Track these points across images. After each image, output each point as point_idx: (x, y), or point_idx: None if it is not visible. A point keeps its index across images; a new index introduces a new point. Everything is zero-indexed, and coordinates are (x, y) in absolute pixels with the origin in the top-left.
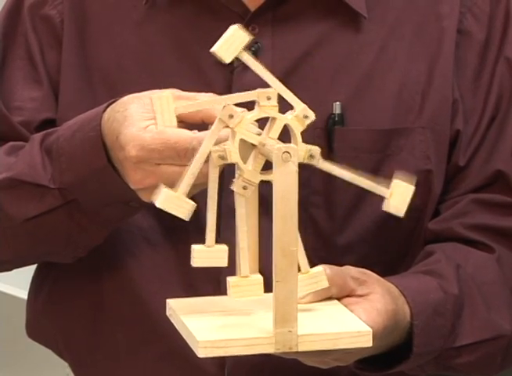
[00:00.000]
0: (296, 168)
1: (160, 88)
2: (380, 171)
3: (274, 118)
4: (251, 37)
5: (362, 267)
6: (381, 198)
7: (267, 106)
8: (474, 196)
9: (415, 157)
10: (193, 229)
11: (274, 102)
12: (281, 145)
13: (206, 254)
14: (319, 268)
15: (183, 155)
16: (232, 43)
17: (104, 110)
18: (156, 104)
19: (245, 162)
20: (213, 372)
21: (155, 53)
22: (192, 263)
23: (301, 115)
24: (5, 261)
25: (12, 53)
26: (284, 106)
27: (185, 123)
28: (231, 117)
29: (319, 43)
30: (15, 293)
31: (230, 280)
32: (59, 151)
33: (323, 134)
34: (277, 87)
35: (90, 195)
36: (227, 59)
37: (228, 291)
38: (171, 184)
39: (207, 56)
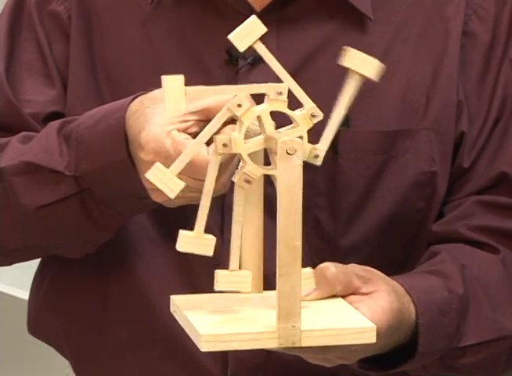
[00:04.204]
0: (300, 162)
1: None
2: (385, 172)
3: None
4: (266, 30)
5: None
6: (385, 200)
7: (277, 100)
8: (477, 197)
9: (419, 158)
10: None
11: (284, 97)
12: (286, 138)
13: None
14: (308, 269)
15: (196, 173)
16: (248, 33)
17: (130, 102)
18: (166, 86)
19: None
20: (216, 372)
21: (160, 52)
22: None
23: (309, 114)
24: (12, 249)
25: (19, 48)
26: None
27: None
28: (239, 106)
29: (324, 44)
30: (15, 293)
31: (219, 272)
32: (79, 139)
33: None
34: (289, 82)
35: (105, 186)
36: (241, 48)
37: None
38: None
39: (211, 57)
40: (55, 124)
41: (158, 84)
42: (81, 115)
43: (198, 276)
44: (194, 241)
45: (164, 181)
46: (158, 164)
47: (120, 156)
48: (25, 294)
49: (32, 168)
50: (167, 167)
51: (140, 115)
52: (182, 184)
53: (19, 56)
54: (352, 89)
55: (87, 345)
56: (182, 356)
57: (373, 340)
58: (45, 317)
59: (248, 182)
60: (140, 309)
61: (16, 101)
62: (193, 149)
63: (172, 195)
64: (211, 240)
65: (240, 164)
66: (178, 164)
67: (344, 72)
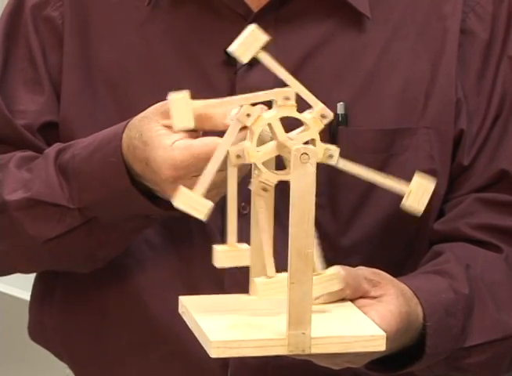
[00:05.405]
0: (314, 170)
1: (162, 88)
2: (384, 171)
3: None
4: (268, 38)
5: (367, 267)
6: (385, 198)
7: (285, 105)
8: (477, 195)
9: (419, 156)
10: (197, 233)
11: (292, 101)
12: (299, 146)
13: (228, 254)
14: (335, 269)
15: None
16: (249, 44)
17: (123, 131)
18: (173, 106)
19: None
20: (216, 373)
21: (157, 54)
22: (214, 264)
23: (319, 115)
24: (21, 271)
25: (14, 55)
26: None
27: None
28: (248, 115)
29: (322, 43)
30: (15, 293)
31: (257, 280)
32: (76, 170)
33: (327, 134)
34: (295, 86)
35: (111, 212)
36: (245, 60)
37: (255, 292)
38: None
39: (209, 57)
40: (50, 153)
41: (156, 86)
42: (74, 142)
43: (199, 279)
44: (230, 255)
45: (192, 205)
46: (182, 189)
47: (124, 184)
48: (25, 294)
49: (33, 203)
50: (191, 174)
51: (134, 149)
52: (210, 203)
53: (13, 65)
54: None
55: (88, 352)
56: (181, 358)
57: (383, 348)
58: (47, 326)
59: (265, 190)
60: (141, 314)
61: (8, 113)
62: (214, 164)
63: (204, 216)
64: (247, 250)
65: (255, 172)
66: (202, 185)
67: (344, 70)
